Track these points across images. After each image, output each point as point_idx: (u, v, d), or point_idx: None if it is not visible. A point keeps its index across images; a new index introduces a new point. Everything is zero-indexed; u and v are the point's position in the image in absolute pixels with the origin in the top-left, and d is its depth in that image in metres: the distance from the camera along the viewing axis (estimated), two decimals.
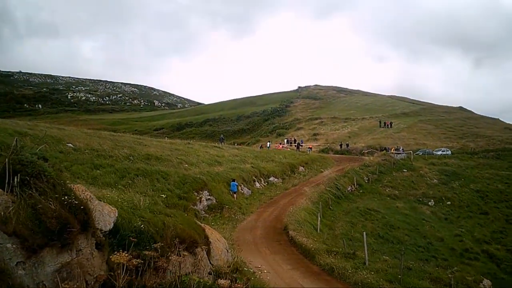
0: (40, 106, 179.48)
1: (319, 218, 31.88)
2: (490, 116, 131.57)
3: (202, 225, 13.05)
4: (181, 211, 20.11)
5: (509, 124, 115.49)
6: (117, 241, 7.55)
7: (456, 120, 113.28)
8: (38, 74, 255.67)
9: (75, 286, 4.59)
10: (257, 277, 15.01)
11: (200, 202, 30.77)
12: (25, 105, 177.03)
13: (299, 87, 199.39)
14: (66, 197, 6.17)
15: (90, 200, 7.02)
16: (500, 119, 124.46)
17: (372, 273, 19.27)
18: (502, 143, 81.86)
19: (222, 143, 70.99)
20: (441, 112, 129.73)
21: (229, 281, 8.55)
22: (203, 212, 29.89)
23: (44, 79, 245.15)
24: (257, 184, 44.05)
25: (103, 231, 7.26)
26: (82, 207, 6.42)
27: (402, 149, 75.82)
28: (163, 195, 26.95)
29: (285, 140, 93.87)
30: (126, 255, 5.76)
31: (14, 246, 5.14)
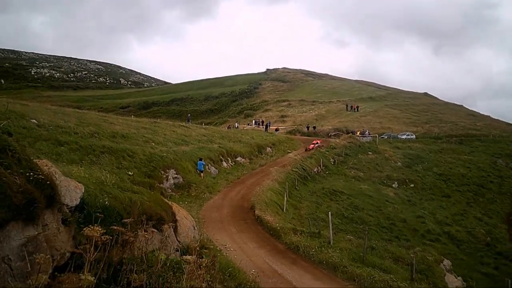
0: (2, 81, 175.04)
1: (285, 198, 32.15)
2: (454, 102, 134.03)
3: (169, 202, 13.02)
4: (148, 189, 20.06)
5: (472, 110, 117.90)
6: (84, 217, 7.47)
7: (421, 106, 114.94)
8: (0, 49, 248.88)
9: (42, 260, 4.55)
10: (224, 254, 15.11)
11: (167, 180, 30.68)
12: None
13: (267, 69, 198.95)
14: (31, 172, 6.07)
15: (55, 176, 6.92)
16: (464, 105, 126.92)
17: (337, 252, 19.60)
18: (465, 129, 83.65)
19: (189, 122, 70.65)
20: (407, 98, 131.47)
21: (196, 258, 8.58)
22: (170, 191, 29.84)
23: (7, 54, 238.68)
24: (224, 164, 44.10)
25: (69, 207, 7.17)
26: (47, 182, 6.33)
27: (368, 133, 76.68)
28: (129, 173, 26.78)
29: (253, 121, 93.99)
30: (99, 229, 5.72)
31: None
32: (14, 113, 30.43)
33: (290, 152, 57.87)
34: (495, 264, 33.14)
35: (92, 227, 5.69)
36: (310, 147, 56.99)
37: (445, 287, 18.37)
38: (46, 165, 7.06)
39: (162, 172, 30.98)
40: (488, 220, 44.07)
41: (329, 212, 23.68)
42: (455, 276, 21.68)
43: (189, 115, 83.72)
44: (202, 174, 36.42)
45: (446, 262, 22.33)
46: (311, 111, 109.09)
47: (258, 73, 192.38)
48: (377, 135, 75.50)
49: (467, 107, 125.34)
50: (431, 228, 39.26)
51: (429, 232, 38.38)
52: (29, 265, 5.46)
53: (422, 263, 20.17)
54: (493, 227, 42.18)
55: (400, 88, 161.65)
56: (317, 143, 59.52)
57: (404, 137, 77.57)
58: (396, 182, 53.60)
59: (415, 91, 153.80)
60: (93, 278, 6.15)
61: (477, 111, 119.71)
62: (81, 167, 19.69)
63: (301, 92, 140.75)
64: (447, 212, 45.47)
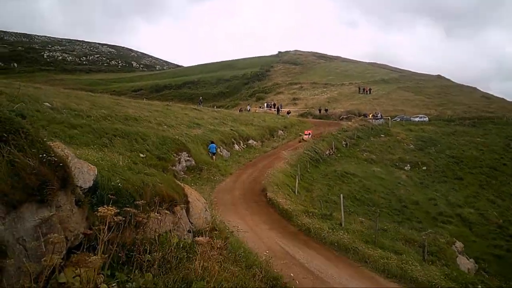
0: (15, 64, 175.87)
1: (297, 180, 32.18)
2: (467, 84, 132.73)
3: (182, 184, 13.09)
4: (160, 171, 20.16)
5: (486, 93, 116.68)
6: (97, 198, 7.55)
7: (434, 88, 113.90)
8: (13, 32, 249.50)
9: (56, 240, 4.61)
10: (236, 236, 15.20)
11: (179, 163, 30.79)
12: (0, 63, 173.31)
13: (279, 52, 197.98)
14: (45, 154, 6.11)
15: (69, 158, 6.99)
16: (478, 88, 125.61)
17: (348, 233, 19.63)
18: (478, 111, 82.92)
19: (201, 105, 70.69)
20: (420, 80, 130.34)
21: (208, 239, 8.64)
22: (182, 173, 29.97)
23: (19, 38, 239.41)
24: (236, 147, 44.20)
25: (82, 189, 7.24)
26: (61, 164, 6.37)
27: (380, 115, 76.27)
28: (142, 155, 26.93)
29: (265, 104, 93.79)
30: (113, 209, 5.78)
31: None
32: (28, 96, 30.62)
33: (302, 135, 57.84)
34: (508, 246, 33.01)
35: (106, 207, 5.75)
36: (304, 138, 54.03)
37: (457, 268, 18.37)
38: (60, 147, 7.12)
39: (175, 154, 31.07)
40: (501, 202, 43.82)
41: (341, 195, 23.65)
42: (467, 258, 21.68)
43: (200, 98, 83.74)
44: (214, 156, 36.53)
45: (458, 244, 22.30)
46: (323, 94, 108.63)
47: (270, 56, 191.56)
48: (389, 117, 75.08)
49: (480, 89, 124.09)
50: (443, 210, 39.17)
51: (441, 214, 38.30)
52: (43, 246, 5.54)
53: (434, 245, 20.17)
54: (505, 209, 41.94)
55: (413, 71, 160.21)
56: (309, 133, 55.39)
57: (417, 119, 77.07)
58: (408, 165, 53.43)
59: (428, 73, 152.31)
60: (107, 258, 6.25)
61: (490, 93, 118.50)
62: (94, 149, 19.83)
63: (313, 75, 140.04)
64: (459, 194, 45.27)
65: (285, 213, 23.77)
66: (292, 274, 14.30)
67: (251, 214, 23.69)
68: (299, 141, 52.79)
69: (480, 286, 14.80)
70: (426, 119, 77.65)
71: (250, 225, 21.24)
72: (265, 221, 22.48)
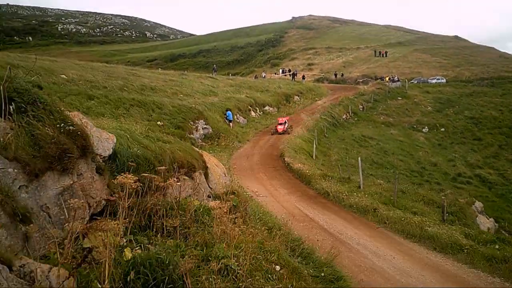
0: (30, 38, 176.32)
1: (314, 145, 32.21)
2: (484, 44, 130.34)
3: (200, 151, 13.16)
4: (178, 139, 20.29)
5: (504, 52, 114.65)
6: (117, 166, 7.64)
7: (451, 49, 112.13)
8: (26, 6, 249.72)
9: (77, 205, 4.70)
10: (255, 200, 15.33)
11: (197, 131, 30.96)
12: (15, 37, 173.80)
13: (293, 17, 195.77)
14: (63, 124, 6.19)
15: (87, 127, 7.06)
16: (495, 47, 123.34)
17: (367, 196, 19.66)
18: (496, 71, 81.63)
19: (215, 73, 70.47)
20: (436, 41, 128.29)
21: (227, 203, 8.72)
22: (200, 141, 30.15)
23: (33, 11, 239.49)
24: (253, 113, 44.24)
25: (102, 157, 7.33)
26: (79, 132, 6.45)
27: (397, 78, 75.56)
28: (159, 123, 27.14)
29: (280, 70, 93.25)
30: (131, 176, 5.86)
31: (15, 170, 5.20)
32: (44, 69, 30.82)
33: (318, 100, 57.50)
34: None
35: (125, 175, 5.83)
36: (279, 129, 37.68)
37: (477, 228, 18.37)
38: (78, 117, 7.18)
39: (192, 123, 31.23)
40: None
41: (359, 158, 23.64)
42: (486, 218, 21.62)
43: (214, 66, 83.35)
44: (231, 124, 36.66)
45: (478, 204, 22.23)
46: (339, 58, 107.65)
47: (284, 22, 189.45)
48: (406, 80, 74.36)
49: (498, 49, 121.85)
50: (462, 171, 39.02)
51: (460, 175, 38.16)
52: (66, 213, 5.65)
53: (453, 206, 20.10)
54: None
55: (430, 32, 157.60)
56: (284, 122, 39.10)
57: (434, 81, 76.26)
58: (426, 127, 53.11)
59: (444, 34, 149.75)
60: (127, 222, 6.36)
61: (509, 52, 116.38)
62: (111, 119, 19.99)
63: (328, 40, 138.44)
64: (478, 155, 45.00)
65: (304, 177, 23.87)
66: (312, 236, 14.45)
67: (270, 179, 23.83)
68: (272, 134, 37.84)
69: (499, 244, 14.79)
70: (444, 80, 76.79)
71: (269, 189, 21.39)
72: (284, 185, 22.61)
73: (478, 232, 16.69)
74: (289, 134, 36.71)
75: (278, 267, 7.27)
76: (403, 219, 16.53)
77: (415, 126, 53.13)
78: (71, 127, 6.34)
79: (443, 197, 18.77)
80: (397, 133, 48.89)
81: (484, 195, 33.07)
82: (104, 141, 7.63)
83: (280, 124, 38.71)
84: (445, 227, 15.98)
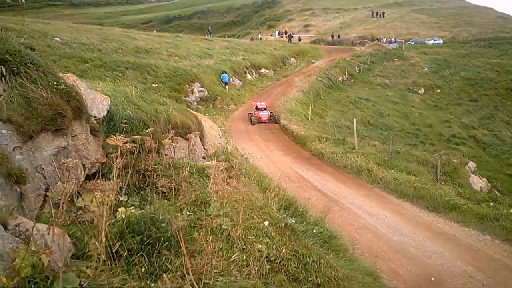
0: (23, 1, 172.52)
1: (310, 107, 32.18)
2: (483, 5, 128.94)
3: (195, 113, 13.21)
4: (173, 102, 20.29)
5: (502, 13, 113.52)
6: (111, 128, 7.69)
7: (449, 10, 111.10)
8: None
9: (71, 164, 4.76)
10: (250, 161, 15.44)
11: (192, 93, 30.92)
12: (8, 0, 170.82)
13: None
14: (56, 85, 6.20)
15: (81, 88, 7.07)
16: (493, 8, 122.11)
17: (361, 157, 19.78)
18: (494, 31, 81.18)
19: (210, 35, 69.77)
20: (434, 1, 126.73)
21: (221, 163, 8.82)
22: (196, 104, 30.16)
23: None
24: (249, 76, 44.06)
25: (97, 118, 7.36)
26: (73, 94, 6.47)
27: (394, 39, 75.14)
28: (154, 85, 27.12)
29: (276, 32, 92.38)
30: (122, 137, 5.90)
31: (9, 132, 5.23)
32: (37, 32, 30.56)
33: (314, 62, 57.18)
34: None
35: (115, 137, 5.86)
36: (263, 118, 29.67)
37: (470, 187, 18.58)
38: (71, 78, 7.18)
39: (187, 85, 31.17)
40: None
41: (354, 119, 23.72)
42: (479, 178, 21.82)
43: (210, 28, 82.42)
44: (226, 86, 36.58)
45: (471, 164, 22.39)
46: (336, 20, 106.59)
47: None
48: (403, 41, 73.90)
49: (496, 9, 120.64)
50: (457, 132, 39.18)
51: (455, 136, 38.34)
52: (61, 173, 5.73)
53: (447, 166, 20.29)
54: None
55: None
56: (264, 109, 30.80)
57: (431, 42, 75.96)
58: (422, 88, 53.06)
59: None
60: (122, 183, 6.45)
61: (507, 13, 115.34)
62: (106, 82, 19.94)
63: (324, 0, 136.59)
64: (473, 116, 45.10)
65: (299, 139, 24.00)
66: (306, 196, 14.64)
67: (265, 141, 23.96)
68: (252, 123, 29.36)
69: (492, 203, 15.02)
70: (441, 41, 76.47)
71: (264, 151, 21.54)
72: (279, 147, 22.76)
73: (471, 192, 16.93)
74: (277, 123, 29.16)
75: (268, 224, 7.39)
76: (396, 179, 16.72)
77: (411, 88, 53.04)
78: (64, 88, 6.35)
79: (437, 158, 18.93)
80: (393, 95, 48.83)
81: (478, 155, 33.30)
82: (98, 103, 7.66)
83: (261, 110, 30.46)
84: (438, 187, 16.18)
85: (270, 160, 19.67)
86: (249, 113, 31.00)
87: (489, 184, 22.55)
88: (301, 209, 11.45)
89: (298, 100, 35.10)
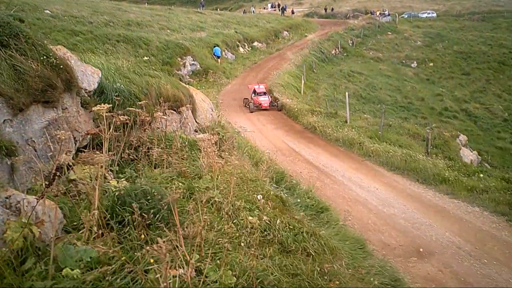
0: None
1: (302, 81, 32.14)
2: None
3: (187, 86, 13.18)
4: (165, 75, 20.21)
5: None
6: (102, 100, 7.66)
7: None
8: None
9: (63, 136, 4.76)
10: (242, 135, 15.51)
11: (184, 67, 30.77)
12: None
13: None
14: (46, 57, 6.17)
15: (72, 61, 7.03)
16: None
17: (353, 130, 19.87)
18: (488, 5, 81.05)
19: (203, 8, 69.07)
20: None
21: (213, 136, 8.83)
22: (188, 77, 30.03)
23: None
24: (241, 49, 43.82)
25: (87, 91, 7.33)
26: (63, 66, 6.44)
27: (388, 12, 74.85)
28: (146, 58, 27.01)
29: (269, 5, 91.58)
30: (106, 106, 5.87)
31: None
32: (28, 4, 30.19)
33: (307, 35, 56.86)
34: (511, 139, 33.46)
35: (100, 105, 5.84)
36: (263, 104, 26.11)
37: (460, 160, 18.74)
38: (62, 51, 7.13)
39: (179, 59, 31.00)
40: (507, 96, 43.71)
41: (346, 93, 23.76)
42: (470, 150, 22.03)
43: (202, 0, 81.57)
44: (219, 60, 36.39)
45: (462, 137, 22.59)
46: None
47: None
48: (397, 14, 73.63)
49: None
50: (449, 106, 39.27)
51: (447, 109, 38.45)
52: (52, 146, 5.73)
53: (438, 139, 20.49)
54: (511, 103, 41.97)
55: None
56: (264, 93, 27.19)
57: (424, 15, 75.71)
58: (415, 62, 53.03)
59: None
60: (114, 155, 6.46)
61: None
62: (97, 55, 19.80)
63: None
64: (466, 89, 45.17)
65: (291, 112, 24.03)
66: (298, 169, 14.73)
67: (257, 115, 24.00)
68: (251, 111, 25.93)
69: (482, 175, 15.17)
70: (434, 14, 76.24)
71: (256, 125, 21.59)
72: (272, 121, 22.81)
73: (461, 164, 17.08)
74: (280, 110, 25.71)
75: (261, 197, 7.45)
76: (388, 152, 16.82)
77: (404, 61, 53.01)
78: (54, 61, 6.31)
79: (428, 131, 19.03)
80: (386, 68, 48.80)
81: (469, 129, 33.47)
82: (89, 75, 7.62)
83: (260, 94, 26.83)
84: (429, 160, 16.32)
85: (262, 134, 19.74)
86: (245, 98, 27.46)
87: (479, 156, 22.78)
88: (293, 182, 11.56)
89: (291, 73, 35.02)
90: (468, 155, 20.82)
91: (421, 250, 9.60)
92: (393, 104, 36.79)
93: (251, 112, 25.44)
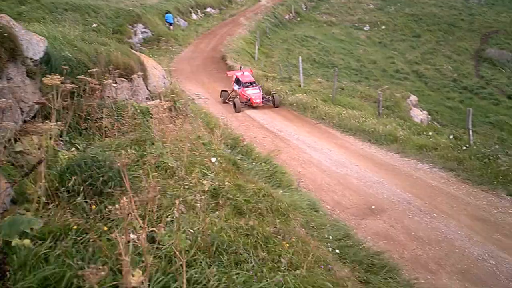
0: None
1: (256, 46, 32.04)
2: None
3: (138, 53, 13.03)
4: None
5: None
6: (49, 70, 7.50)
7: None
8: None
9: (7, 105, 4.66)
10: (196, 102, 15.45)
11: (135, 35, 30.28)
12: None
13: None
14: None
15: (15, 29, 6.85)
16: None
17: (307, 94, 20.05)
18: None
19: None
20: None
21: (164, 102, 8.80)
22: (139, 45, 29.53)
23: None
24: (194, 16, 43.22)
25: (33, 60, 7.17)
26: (6, 34, 6.28)
27: None
28: (94, 25, 26.47)
29: None
30: (58, 77, 5.78)
31: None
32: None
33: (260, 1, 56.41)
34: (460, 98, 34.37)
35: (51, 76, 5.74)
36: (255, 100, 19.25)
37: (411, 120, 19.21)
38: (5, 19, 6.94)
39: (130, 27, 30.48)
40: (456, 57, 44.65)
41: (299, 57, 23.88)
42: (420, 110, 22.60)
43: None
44: (171, 27, 35.85)
45: (413, 97, 23.12)
46: None
47: None
48: None
49: None
50: (400, 68, 39.95)
51: (398, 71, 39.11)
52: None
53: (390, 100, 20.92)
54: (461, 63, 42.90)
55: None
56: (253, 83, 20.40)
57: None
58: (367, 25, 53.34)
59: None
60: (62, 125, 6.38)
61: None
62: (44, 24, 19.27)
63: None
64: (417, 51, 45.88)
65: None
66: (253, 134, 14.85)
67: (212, 82, 23.84)
68: (237, 110, 18.87)
69: (431, 133, 15.63)
70: None
71: (210, 92, 21.48)
72: (226, 87, 22.69)
73: (411, 124, 17.57)
74: (278, 107, 19.25)
75: (215, 160, 7.51)
76: (340, 114, 17.10)
77: (356, 25, 53.26)
78: None
79: (379, 92, 19.39)
80: (339, 32, 49.02)
81: (420, 89, 34.15)
82: (34, 44, 7.44)
83: (247, 85, 20.03)
84: (380, 120, 16.69)
85: (217, 101, 19.69)
86: (222, 91, 21.01)
87: (429, 116, 23.40)
88: (247, 147, 11.68)
89: (245, 39, 34.84)
90: (419, 115, 21.34)
91: (373, 207, 9.89)
92: (346, 67, 37.14)
93: (238, 112, 18.44)
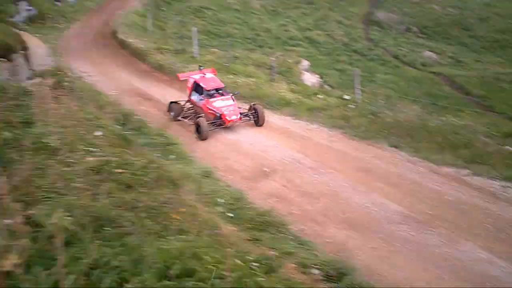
0: None
1: (150, 19, 31.37)
2: None
3: (18, 32, 12.53)
4: None
5: None
6: None
7: None
8: None
9: None
10: (84, 80, 14.99)
11: (18, 13, 28.73)
12: None
13: None
14: None
15: None
16: None
17: (201, 64, 20.10)
18: None
19: None
20: None
21: (46, 80, 8.62)
22: (24, 24, 28.05)
23: None
24: None
25: None
26: None
27: None
28: None
29: None
30: None
31: None
32: None
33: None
34: (350, 60, 35.67)
35: None
36: (229, 118, 12.71)
37: (303, 84, 19.85)
38: None
39: (12, 5, 28.87)
40: (347, 22, 46.09)
41: (194, 28, 23.87)
42: (312, 74, 23.37)
43: None
44: (59, 3, 34.34)
45: (305, 62, 23.85)
46: None
47: None
48: None
49: None
50: (294, 35, 40.60)
51: (292, 38, 39.73)
52: None
53: (283, 66, 21.48)
54: (351, 28, 44.48)
55: None
56: (215, 90, 13.96)
57: None
58: None
59: None
60: None
61: None
62: None
63: None
64: (309, 18, 46.72)
65: (138, 53, 23.43)
66: (145, 108, 14.77)
67: (102, 58, 23.09)
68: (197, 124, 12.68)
69: (321, 96, 16.37)
70: None
71: (100, 69, 20.75)
72: (116, 63, 22.15)
73: (303, 87, 18.26)
74: (261, 125, 13.39)
75: (100, 134, 7.47)
76: (235, 82, 17.36)
77: None
78: None
79: (272, 59, 19.83)
80: (234, 2, 48.70)
81: (313, 54, 34.93)
82: None
83: (211, 94, 13.92)
84: (273, 86, 17.17)
85: (107, 77, 19.11)
86: (171, 102, 14.74)
87: (321, 79, 24.27)
88: (140, 122, 11.67)
89: (137, 13, 33.85)
90: (310, 79, 22.08)
91: (265, 169, 10.27)
92: (241, 37, 37.22)
93: (203, 139, 12.36)
